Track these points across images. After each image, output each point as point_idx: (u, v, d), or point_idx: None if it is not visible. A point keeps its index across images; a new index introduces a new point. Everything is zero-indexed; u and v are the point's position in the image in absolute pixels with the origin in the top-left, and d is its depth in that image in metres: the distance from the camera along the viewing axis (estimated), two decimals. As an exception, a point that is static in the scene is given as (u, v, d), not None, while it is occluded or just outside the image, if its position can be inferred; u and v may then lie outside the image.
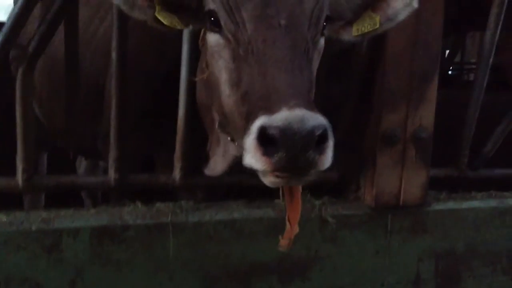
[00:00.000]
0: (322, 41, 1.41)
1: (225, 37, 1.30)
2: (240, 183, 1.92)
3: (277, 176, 1.14)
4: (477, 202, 2.14)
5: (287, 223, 1.51)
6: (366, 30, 1.45)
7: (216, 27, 1.31)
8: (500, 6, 1.98)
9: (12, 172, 1.63)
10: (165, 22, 1.33)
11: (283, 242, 1.54)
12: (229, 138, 1.55)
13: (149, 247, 1.70)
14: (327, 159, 1.12)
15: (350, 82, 1.91)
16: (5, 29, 1.50)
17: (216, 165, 1.84)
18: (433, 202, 2.08)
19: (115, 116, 1.66)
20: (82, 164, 3.42)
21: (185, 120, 1.75)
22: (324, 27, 1.38)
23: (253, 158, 1.11)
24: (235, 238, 1.79)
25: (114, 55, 1.60)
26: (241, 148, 1.18)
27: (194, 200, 1.84)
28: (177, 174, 1.80)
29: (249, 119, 1.16)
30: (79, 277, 1.64)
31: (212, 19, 1.32)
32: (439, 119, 1.96)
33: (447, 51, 8.40)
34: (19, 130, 1.59)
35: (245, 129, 1.16)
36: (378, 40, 1.87)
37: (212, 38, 1.35)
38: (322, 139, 1.08)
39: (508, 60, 5.73)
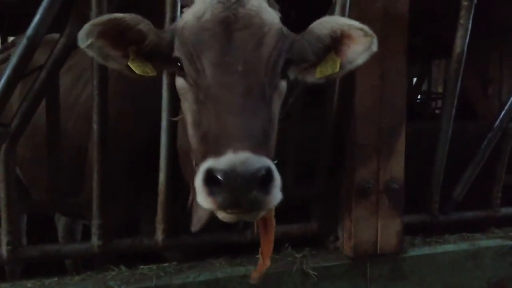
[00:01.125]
0: (283, 83, 1.47)
1: (189, 82, 1.39)
2: (221, 241, 1.97)
3: (227, 213, 1.21)
4: (451, 246, 2.22)
5: (260, 256, 1.54)
6: (327, 73, 1.51)
7: (182, 71, 1.40)
8: (463, 37, 2.10)
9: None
10: (137, 71, 1.42)
11: (255, 275, 1.58)
12: None
13: (135, 312, 1.72)
14: (274, 198, 1.18)
15: (322, 140, 2.00)
16: (-12, 108, 1.55)
17: (200, 214, 1.86)
18: (409, 248, 2.16)
19: (97, 186, 1.70)
20: (61, 220, 3.41)
21: (166, 183, 1.80)
22: (284, 70, 1.45)
23: (201, 198, 1.18)
24: (219, 298, 1.82)
25: (94, 125, 1.66)
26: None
27: (177, 260, 1.88)
28: (159, 236, 1.84)
29: (201, 159, 1.23)
30: None
31: (179, 64, 1.40)
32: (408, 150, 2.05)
33: (414, 79, 8.70)
34: (3, 205, 1.62)
35: (198, 167, 1.23)
36: (347, 99, 1.98)
37: (179, 82, 1.43)
38: (267, 180, 1.15)
39: (472, 89, 5.99)
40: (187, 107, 1.41)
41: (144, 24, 1.40)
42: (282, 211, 2.04)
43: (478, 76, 5.78)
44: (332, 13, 1.87)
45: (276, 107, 1.44)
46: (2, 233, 1.66)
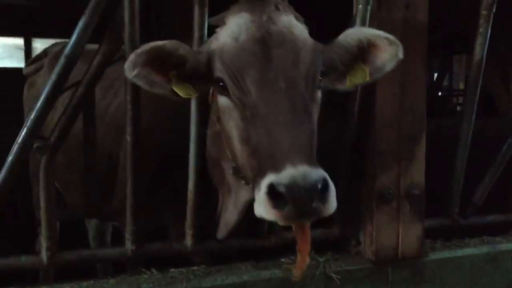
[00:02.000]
0: (319, 93, 1.56)
1: (233, 101, 1.45)
2: (246, 246, 2.05)
3: (290, 222, 1.30)
4: (471, 249, 2.26)
5: (298, 254, 1.62)
6: (358, 82, 1.61)
7: (225, 90, 1.47)
8: (483, 45, 2.13)
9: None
10: (181, 94, 1.50)
11: (296, 272, 1.66)
12: (243, 182, 1.67)
13: (166, 313, 1.81)
14: (331, 205, 1.28)
15: (344, 147, 2.06)
16: (28, 122, 1.66)
17: (227, 220, 1.96)
18: (430, 251, 2.20)
19: (131, 194, 1.80)
20: (91, 221, 3.53)
21: (194, 191, 1.89)
22: (320, 81, 1.53)
23: (264, 211, 1.27)
24: (246, 300, 1.90)
25: (128, 137, 1.75)
26: (254, 190, 1.34)
27: (206, 263, 1.96)
28: (188, 241, 1.93)
29: (259, 173, 1.31)
30: None
31: (221, 84, 1.48)
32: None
33: (435, 74, 8.68)
34: (43, 213, 1.73)
35: (255, 180, 1.31)
36: (367, 107, 2.04)
37: (223, 100, 1.50)
38: (324, 189, 1.24)
39: (494, 85, 5.95)
40: (232, 124, 1.47)
41: (183, 49, 1.48)
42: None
43: (499, 73, 5.74)
44: (353, 24, 1.92)
45: (316, 118, 1.52)
46: (42, 239, 1.76)
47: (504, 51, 5.58)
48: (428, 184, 2.12)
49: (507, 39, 5.51)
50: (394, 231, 2.09)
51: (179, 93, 1.49)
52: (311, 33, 1.62)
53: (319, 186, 1.23)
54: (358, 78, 1.59)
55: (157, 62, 1.44)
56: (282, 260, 2.05)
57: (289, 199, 1.21)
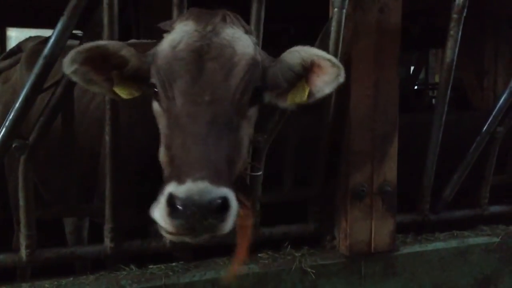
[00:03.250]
0: (252, 110, 1.55)
1: (162, 108, 1.48)
2: (223, 242, 2.10)
3: (179, 235, 1.31)
4: (441, 244, 2.36)
5: (233, 259, 1.71)
6: (297, 101, 1.58)
7: (158, 96, 1.49)
8: (453, 48, 2.20)
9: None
10: (122, 95, 1.52)
11: (226, 277, 1.78)
12: None
13: (145, 309, 1.85)
14: (227, 225, 1.28)
15: (319, 146, 2.12)
16: (7, 122, 1.67)
17: None
18: (401, 246, 2.29)
19: (109, 193, 1.82)
20: (68, 218, 3.51)
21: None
22: (255, 96, 1.52)
23: (161, 216, 1.28)
24: (224, 295, 1.96)
25: (107, 137, 1.78)
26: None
27: (184, 260, 2.01)
28: (166, 239, 1.96)
29: (168, 178, 1.33)
30: None
31: (155, 89, 1.50)
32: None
33: (412, 67, 8.79)
34: (22, 211, 1.74)
35: (164, 183, 1.32)
36: (342, 108, 2.10)
37: (155, 105, 1.53)
38: (222, 208, 1.25)
39: (468, 81, 6.10)
40: (161, 130, 1.50)
41: (126, 50, 1.49)
42: (282, 213, 2.19)
43: (473, 68, 5.88)
44: (329, 27, 1.98)
45: (245, 132, 1.52)
46: (21, 238, 1.78)
47: (478, 46, 5.73)
48: (401, 181, 2.20)
49: (481, 33, 5.65)
50: (367, 227, 2.16)
51: (119, 93, 1.51)
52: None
53: (215, 205, 1.23)
54: (298, 97, 1.58)
55: (98, 61, 1.45)
56: (260, 255, 2.11)
57: (182, 213, 1.23)
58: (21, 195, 1.72)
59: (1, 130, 1.67)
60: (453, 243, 2.39)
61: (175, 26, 1.55)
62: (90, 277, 1.89)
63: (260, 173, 1.82)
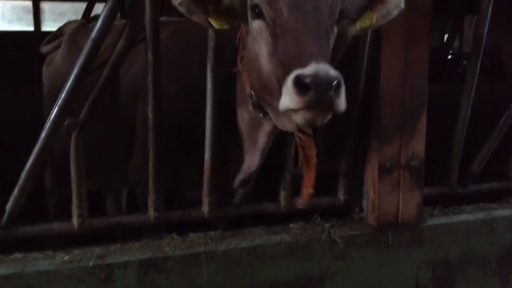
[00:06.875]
0: (335, 30, 1.79)
1: (266, 22, 1.69)
2: (259, 211, 2.23)
3: (308, 111, 1.50)
4: (467, 216, 2.43)
5: (303, 187, 1.94)
6: (365, 25, 1.84)
7: (259, 15, 1.71)
8: (486, 10, 2.23)
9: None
10: (215, 25, 1.74)
11: (301, 201, 2.03)
12: (261, 115, 1.95)
13: (186, 274, 2.00)
14: (342, 100, 1.50)
15: (350, 120, 2.20)
16: (59, 101, 1.80)
17: (252, 161, 2.25)
18: (428, 218, 2.37)
19: (153, 164, 1.95)
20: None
21: (211, 161, 2.05)
22: (338, 19, 1.77)
23: (289, 98, 1.49)
24: (258, 262, 2.09)
25: (149, 110, 1.90)
26: (275, 116, 1.79)
27: (222, 228, 2.14)
28: (205, 208, 2.10)
29: (285, 75, 1.52)
30: (130, 303, 1.94)
31: (257, 10, 1.71)
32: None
33: (446, 36, 8.53)
34: (74, 184, 1.89)
35: (281, 83, 1.52)
36: (372, 82, 2.17)
37: (256, 24, 1.74)
38: (338, 86, 1.47)
39: (504, 48, 5.94)
40: (263, 43, 1.70)
41: None
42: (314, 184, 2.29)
43: (510, 35, 5.72)
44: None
45: (331, 47, 1.76)
46: (73, 208, 1.94)
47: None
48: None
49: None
50: (395, 199, 2.25)
51: (213, 24, 1.74)
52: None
53: (336, 81, 1.45)
54: (366, 23, 1.83)
55: None
56: (291, 225, 2.23)
57: (312, 86, 1.43)
58: (73, 168, 1.86)
59: (54, 109, 1.80)
60: (479, 215, 2.45)
61: None
62: (135, 244, 2.04)
63: None
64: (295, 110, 1.51)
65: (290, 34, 1.59)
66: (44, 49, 3.38)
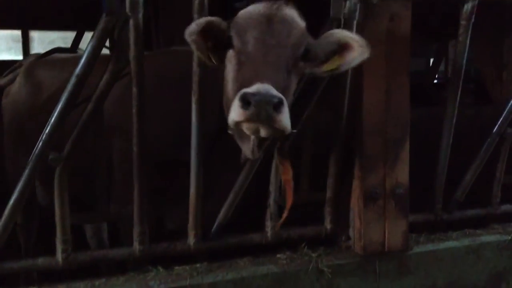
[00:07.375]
0: (301, 64, 1.93)
1: (235, 51, 1.89)
2: (245, 243, 2.23)
3: (250, 123, 1.68)
4: (453, 242, 2.44)
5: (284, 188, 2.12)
6: (331, 68, 1.97)
7: (232, 46, 1.91)
8: (462, 53, 2.30)
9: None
10: (214, 61, 1.92)
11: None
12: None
13: (172, 307, 1.98)
14: (283, 119, 1.66)
15: (334, 151, 2.22)
16: (44, 136, 1.80)
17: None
18: (414, 245, 2.38)
19: (138, 197, 1.95)
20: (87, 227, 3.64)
21: (196, 196, 2.05)
22: (304, 57, 1.92)
23: (234, 112, 1.67)
24: (245, 294, 2.07)
25: (134, 147, 1.91)
26: (238, 139, 1.97)
27: (207, 262, 2.13)
28: (191, 241, 2.09)
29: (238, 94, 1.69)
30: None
31: (231, 41, 1.91)
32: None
33: (431, 60, 8.63)
34: (58, 217, 1.88)
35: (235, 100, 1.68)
36: (355, 113, 2.20)
37: (229, 53, 1.93)
38: (279, 103, 1.64)
39: (487, 74, 6.06)
40: (231, 68, 1.90)
41: (224, 24, 1.91)
42: (299, 216, 2.30)
43: (492, 61, 5.84)
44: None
45: (293, 82, 1.91)
46: (58, 242, 1.92)
47: (497, 39, 5.69)
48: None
49: (501, 30, 5.62)
50: (381, 227, 2.26)
51: (213, 59, 1.92)
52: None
53: (276, 100, 1.63)
54: (332, 66, 1.97)
55: (204, 33, 1.85)
56: (278, 255, 2.23)
57: (252, 102, 1.61)
58: (57, 202, 1.85)
59: (38, 144, 1.80)
60: (465, 242, 2.47)
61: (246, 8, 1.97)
62: (120, 278, 2.02)
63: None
64: (239, 122, 1.69)
65: (251, 62, 1.81)
66: (1, 81, 3.41)
